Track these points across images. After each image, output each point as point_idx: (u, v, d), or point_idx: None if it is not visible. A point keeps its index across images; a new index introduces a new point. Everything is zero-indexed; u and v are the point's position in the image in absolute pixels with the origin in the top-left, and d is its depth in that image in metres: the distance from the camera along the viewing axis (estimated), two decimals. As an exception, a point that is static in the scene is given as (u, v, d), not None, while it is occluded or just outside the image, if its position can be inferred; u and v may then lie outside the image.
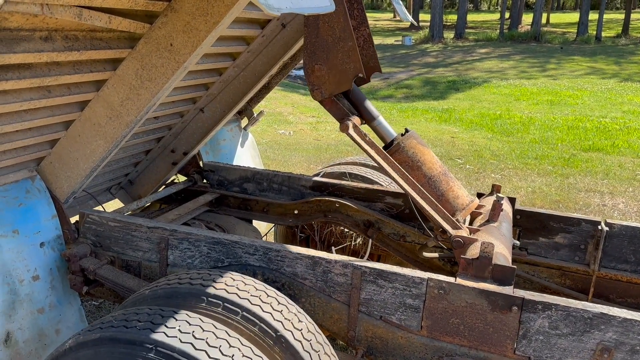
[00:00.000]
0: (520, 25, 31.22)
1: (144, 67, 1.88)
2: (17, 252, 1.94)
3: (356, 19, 2.17)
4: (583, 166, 6.78)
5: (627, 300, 2.40)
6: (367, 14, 2.27)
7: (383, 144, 2.21)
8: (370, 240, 2.86)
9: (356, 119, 2.07)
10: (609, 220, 2.37)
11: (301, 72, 19.11)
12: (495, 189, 2.42)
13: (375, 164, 2.08)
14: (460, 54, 22.08)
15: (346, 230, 3.09)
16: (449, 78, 16.94)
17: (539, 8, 24.89)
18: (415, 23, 2.85)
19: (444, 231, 1.97)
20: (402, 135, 2.16)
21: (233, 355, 1.35)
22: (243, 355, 1.37)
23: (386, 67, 19.99)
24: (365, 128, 2.17)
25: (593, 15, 29.97)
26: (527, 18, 33.31)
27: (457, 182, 2.14)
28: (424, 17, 35.50)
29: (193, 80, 2.63)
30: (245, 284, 1.64)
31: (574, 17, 37.06)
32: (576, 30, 26.29)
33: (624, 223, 2.35)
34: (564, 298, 1.64)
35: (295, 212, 2.83)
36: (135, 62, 1.89)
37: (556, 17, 42.10)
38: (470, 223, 2.20)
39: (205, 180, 3.04)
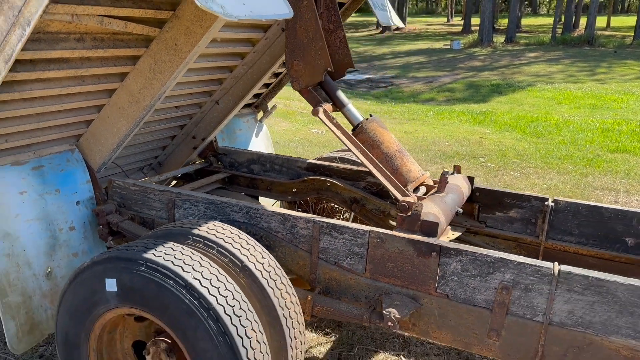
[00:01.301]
0: (577, 29, 30.58)
1: (156, 62, 2.40)
2: (58, 207, 2.49)
3: (333, 24, 2.62)
4: (605, 166, 6.90)
5: (573, 269, 2.71)
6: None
7: (352, 127, 2.63)
8: (352, 214, 3.28)
9: (328, 106, 2.52)
10: (556, 198, 2.71)
11: (346, 76, 19.61)
12: (456, 169, 2.80)
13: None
14: (508, 57, 21.94)
15: (336, 206, 3.52)
16: (493, 82, 16.96)
17: (593, 11, 24.35)
18: (402, 25, 3.21)
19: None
20: (367, 119, 2.58)
21: (202, 271, 1.83)
22: (210, 273, 1.84)
23: (430, 71, 20.17)
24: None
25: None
26: (585, 21, 32.59)
27: (411, 158, 2.54)
28: (476, 21, 35.30)
29: (209, 76, 3.14)
30: (223, 229, 2.12)
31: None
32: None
33: (569, 200, 2.68)
34: (472, 246, 2.03)
35: (294, 190, 3.29)
36: (149, 59, 2.41)
37: (618, 21, 40.75)
38: (425, 194, 2.59)
39: (219, 163, 3.55)
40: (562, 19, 28.37)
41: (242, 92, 3.34)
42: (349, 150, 2.68)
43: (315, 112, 2.45)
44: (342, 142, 2.45)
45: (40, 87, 2.16)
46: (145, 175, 3.65)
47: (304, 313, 2.19)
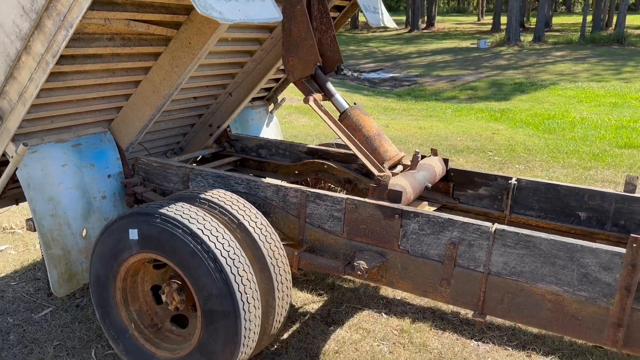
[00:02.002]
0: (609, 28, 30.22)
1: (174, 58, 2.87)
2: (92, 179, 2.99)
3: (325, 25, 3.06)
4: (609, 160, 7.15)
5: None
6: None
7: (339, 114, 3.07)
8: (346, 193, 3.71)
9: (318, 96, 2.96)
10: (519, 177, 3.08)
11: (370, 75, 19.98)
12: (432, 152, 3.20)
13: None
14: (534, 56, 21.95)
15: (332, 185, 3.95)
16: (516, 80, 17.10)
17: (623, 9, 24.11)
18: (394, 25, 3.61)
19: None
20: (351, 107, 3.01)
21: (204, 224, 2.29)
22: (211, 225, 2.30)
23: (455, 70, 20.36)
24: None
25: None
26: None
27: (389, 141, 2.96)
28: (506, 20, 35.15)
29: (223, 71, 3.61)
30: (225, 195, 2.58)
31: (670, 18, 35.12)
32: (665, 32, 25.19)
33: (530, 179, 3.05)
34: (427, 209, 2.43)
35: (296, 172, 3.73)
36: (168, 55, 2.89)
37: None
38: (402, 172, 3.00)
39: (232, 147, 4.02)
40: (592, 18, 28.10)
41: (251, 85, 3.80)
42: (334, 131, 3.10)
43: (306, 101, 2.89)
44: (329, 126, 2.89)
45: (79, 78, 2.66)
46: (168, 158, 4.16)
47: (292, 266, 2.63)
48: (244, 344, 2.27)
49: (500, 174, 3.13)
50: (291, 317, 3.17)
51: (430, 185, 2.88)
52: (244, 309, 2.23)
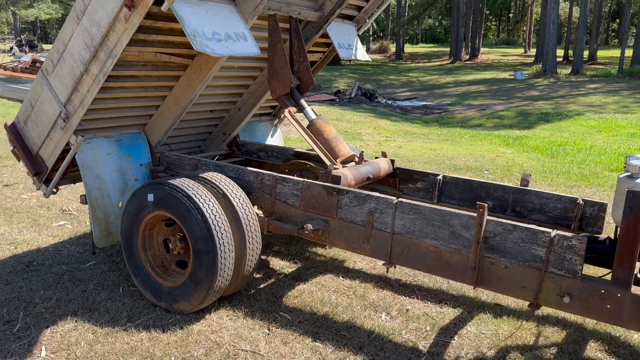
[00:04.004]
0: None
1: (190, 80, 3.99)
2: (128, 165, 4.11)
3: (302, 57, 4.13)
4: (595, 181, 7.84)
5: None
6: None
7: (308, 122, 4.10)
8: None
9: (292, 109, 4.01)
10: (445, 174, 4.01)
11: (404, 103, 20.94)
12: (382, 154, 4.18)
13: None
14: (567, 88, 22.41)
15: (313, 181, 4.95)
16: (543, 110, 17.68)
17: (662, 44, 24.24)
18: (367, 58, 4.64)
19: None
20: (316, 118, 4.04)
21: (197, 191, 3.35)
22: (203, 193, 3.35)
23: (486, 99, 21.08)
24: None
25: None
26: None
27: (344, 142, 3.97)
28: (558, 52, 35.49)
29: (233, 91, 4.72)
30: (216, 175, 3.63)
31: None
32: None
33: (453, 175, 3.98)
34: (356, 189, 3.41)
35: (286, 170, 4.76)
36: (186, 78, 4.01)
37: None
38: (354, 167, 3.98)
39: (239, 151, 5.10)
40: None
41: (255, 102, 4.89)
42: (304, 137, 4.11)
43: (282, 112, 3.94)
44: (298, 131, 3.92)
45: (121, 92, 3.80)
46: (191, 159, 5.27)
47: (263, 229, 3.64)
48: (220, 275, 3.29)
49: (431, 172, 4.07)
50: (268, 275, 4.17)
51: (372, 176, 3.86)
52: (220, 249, 3.26)
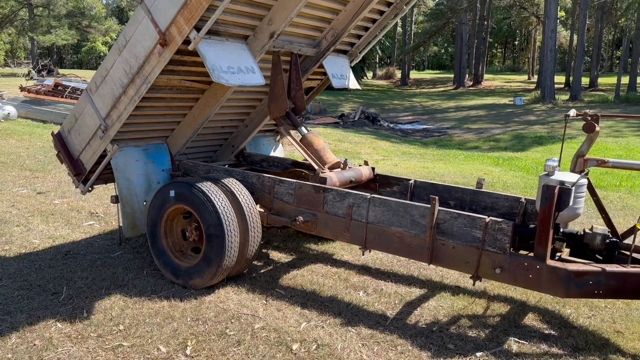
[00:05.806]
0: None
1: (206, 102, 4.85)
2: (153, 170, 4.95)
3: (298, 86, 4.99)
4: (569, 196, 8.58)
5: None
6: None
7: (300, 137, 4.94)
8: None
9: (287, 127, 4.85)
10: (416, 179, 4.82)
11: (405, 126, 21.82)
12: (364, 162, 5.00)
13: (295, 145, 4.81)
14: (564, 113, 23.18)
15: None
16: (538, 134, 18.47)
17: (656, 71, 25.08)
18: (357, 87, 5.53)
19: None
20: (307, 132, 4.88)
21: (210, 189, 4.17)
22: (214, 190, 4.18)
23: (485, 123, 21.92)
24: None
25: None
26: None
27: (330, 152, 4.80)
28: (559, 79, 36.17)
29: (242, 110, 5.59)
30: (226, 177, 4.46)
31: None
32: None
33: (422, 180, 4.78)
34: (339, 188, 4.21)
35: (285, 177, 5.58)
36: (204, 100, 4.87)
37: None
38: (339, 173, 4.80)
39: (245, 161, 5.94)
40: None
41: (259, 121, 5.74)
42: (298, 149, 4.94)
43: (279, 129, 4.78)
44: (292, 143, 4.75)
45: (151, 110, 4.66)
46: (204, 169, 6.11)
47: (263, 221, 4.45)
48: (227, 255, 4.10)
49: (406, 177, 4.88)
50: (267, 263, 4.97)
51: (354, 179, 4.68)
52: (228, 234, 4.07)
